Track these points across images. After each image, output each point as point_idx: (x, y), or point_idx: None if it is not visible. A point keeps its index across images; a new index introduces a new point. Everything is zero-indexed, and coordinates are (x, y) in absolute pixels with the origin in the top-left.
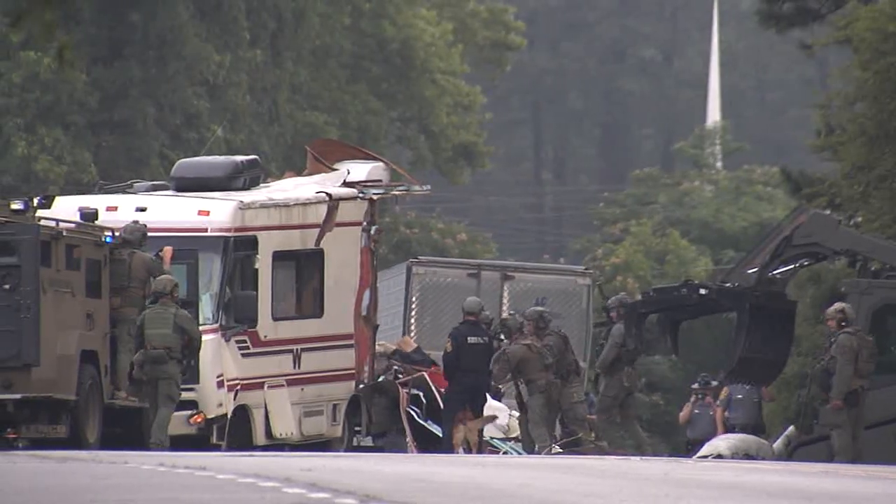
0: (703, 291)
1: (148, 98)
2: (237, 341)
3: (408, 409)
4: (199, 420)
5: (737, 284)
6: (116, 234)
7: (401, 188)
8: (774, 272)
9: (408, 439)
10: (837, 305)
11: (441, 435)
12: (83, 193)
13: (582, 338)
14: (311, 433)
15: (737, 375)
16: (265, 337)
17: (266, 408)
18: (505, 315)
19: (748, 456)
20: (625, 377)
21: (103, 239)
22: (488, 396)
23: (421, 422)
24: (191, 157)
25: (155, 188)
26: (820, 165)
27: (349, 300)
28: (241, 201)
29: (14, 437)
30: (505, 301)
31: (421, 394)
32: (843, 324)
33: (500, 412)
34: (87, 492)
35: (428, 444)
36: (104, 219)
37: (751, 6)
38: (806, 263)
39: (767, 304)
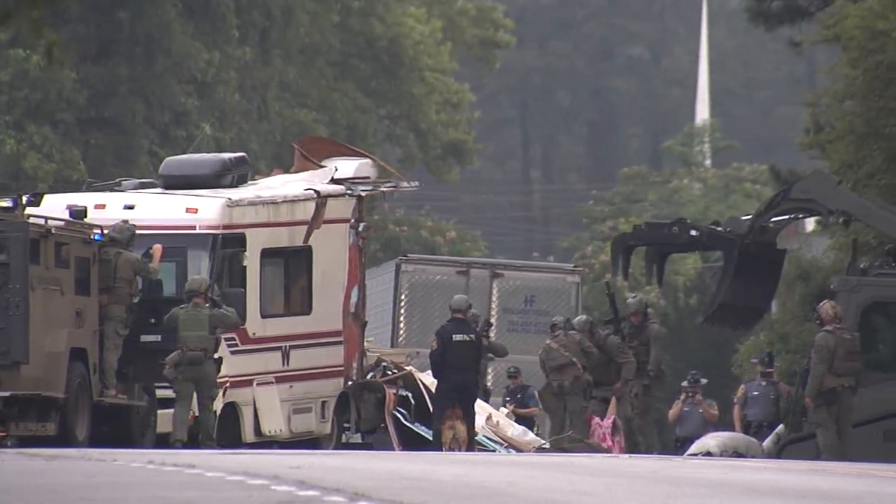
0: (693, 233)
1: (137, 96)
2: (226, 339)
3: (394, 411)
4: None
5: (728, 230)
6: (105, 231)
7: (389, 185)
8: (768, 221)
9: (393, 444)
10: (830, 303)
11: (430, 438)
12: (72, 191)
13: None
14: (299, 430)
15: (714, 320)
16: (254, 334)
17: (255, 405)
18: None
19: (737, 454)
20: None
21: (92, 237)
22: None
23: (408, 424)
24: (179, 155)
25: (143, 186)
26: (809, 163)
27: (338, 297)
28: (230, 199)
29: (2, 436)
30: (494, 299)
31: (409, 395)
32: (818, 322)
33: (485, 412)
34: (76, 490)
35: (416, 446)
36: (93, 216)
37: (739, 4)
38: (801, 216)
39: (756, 253)
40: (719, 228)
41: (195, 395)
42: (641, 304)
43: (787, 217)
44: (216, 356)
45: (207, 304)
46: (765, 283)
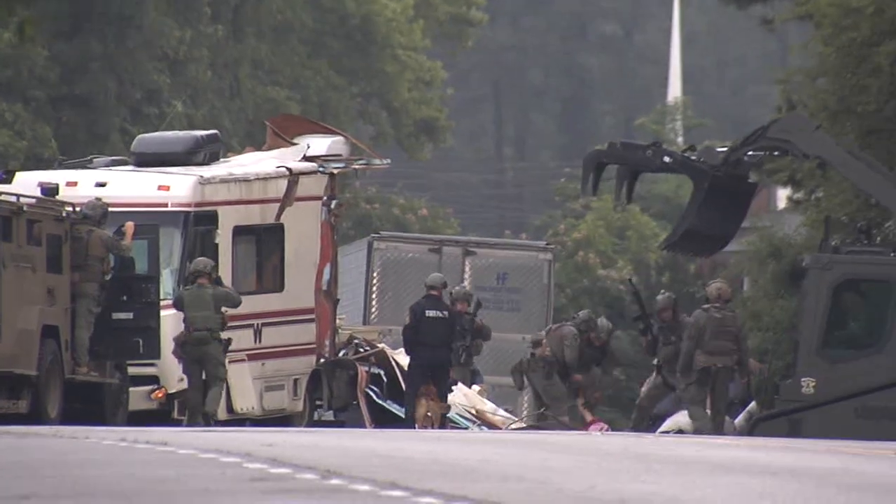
0: (667, 159)
1: (108, 73)
2: None
3: (367, 389)
4: (160, 395)
5: (702, 160)
6: (77, 209)
7: (361, 162)
8: (743, 155)
9: (366, 421)
10: (717, 283)
11: (403, 416)
12: (44, 169)
13: (542, 312)
14: (272, 408)
15: (675, 247)
16: (225, 311)
17: (227, 383)
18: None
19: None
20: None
21: (64, 214)
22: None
23: (381, 402)
24: (151, 133)
25: (115, 163)
26: None
27: (310, 275)
28: (202, 176)
29: None
30: (467, 276)
31: (382, 372)
32: (706, 301)
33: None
34: (48, 467)
35: (389, 424)
36: (65, 194)
37: None
38: (776, 154)
39: (727, 185)
40: (693, 157)
41: (203, 374)
42: (670, 299)
43: (761, 154)
44: (224, 337)
45: (212, 286)
46: (732, 214)
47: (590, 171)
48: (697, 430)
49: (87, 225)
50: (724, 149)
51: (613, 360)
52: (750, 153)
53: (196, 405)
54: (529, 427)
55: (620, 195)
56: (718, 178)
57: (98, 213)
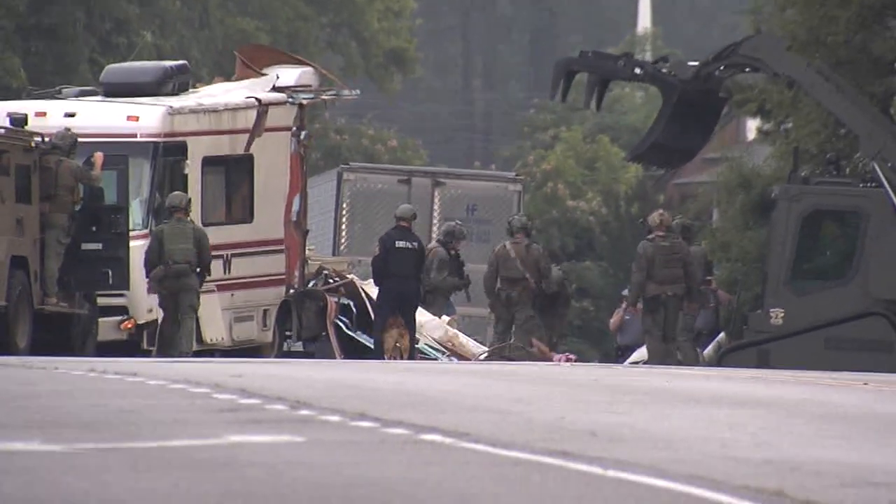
0: (637, 70)
1: (77, 3)
2: None
3: (336, 320)
4: (129, 326)
5: (673, 73)
6: (46, 139)
7: (330, 93)
8: (714, 70)
9: (335, 352)
10: (658, 212)
11: (372, 347)
12: (12, 99)
13: None
14: (241, 339)
15: (642, 158)
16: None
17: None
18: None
19: (678, 362)
20: None
21: (33, 144)
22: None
23: (350, 333)
24: (120, 63)
25: (84, 94)
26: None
27: (279, 206)
28: (171, 107)
29: None
30: (436, 207)
31: (351, 303)
32: (648, 231)
33: (427, 320)
34: (17, 398)
35: (358, 355)
36: (33, 124)
37: None
38: (747, 70)
39: (696, 99)
40: (664, 70)
41: (177, 304)
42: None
43: (732, 71)
44: (199, 270)
45: (191, 220)
46: (700, 128)
47: (560, 77)
48: (649, 361)
49: (57, 155)
50: (696, 63)
51: (567, 303)
52: (721, 69)
53: (171, 338)
54: (499, 358)
55: (590, 102)
56: (688, 93)
57: (67, 144)
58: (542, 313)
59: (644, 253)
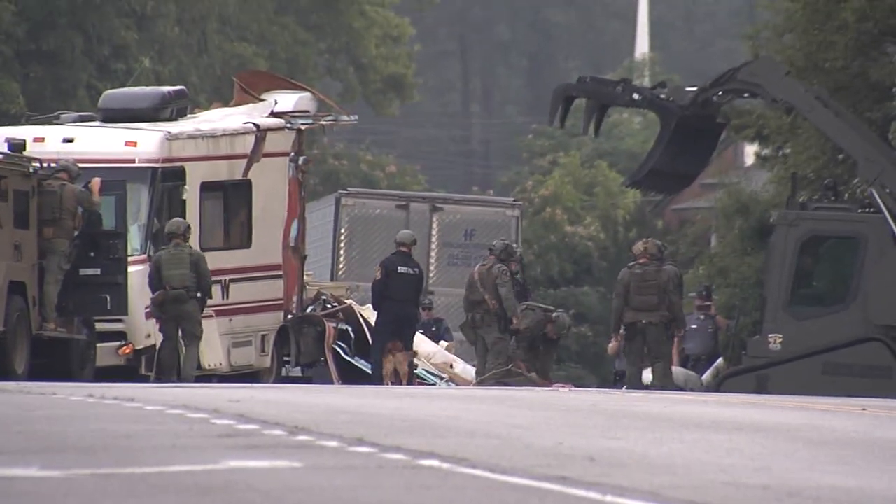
0: (636, 96)
1: (76, 29)
2: None
3: (334, 345)
4: (127, 351)
5: (671, 99)
6: (45, 164)
7: (328, 118)
8: (712, 96)
9: (333, 377)
10: (642, 241)
11: (370, 372)
12: (10, 124)
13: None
14: (239, 364)
15: (640, 184)
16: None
17: None
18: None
19: (677, 388)
20: None
21: (31, 170)
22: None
23: (348, 358)
24: (118, 89)
25: (82, 119)
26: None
27: (277, 231)
28: (169, 132)
29: None
30: (434, 232)
31: (349, 328)
32: (632, 261)
33: (426, 346)
34: (16, 423)
35: (356, 380)
36: (32, 150)
37: None
38: (745, 96)
39: (694, 124)
40: (662, 95)
41: (179, 332)
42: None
43: (731, 96)
44: (199, 295)
45: (188, 246)
46: (698, 153)
47: (559, 103)
48: (628, 387)
49: (61, 179)
50: (694, 89)
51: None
52: (719, 94)
53: (170, 364)
54: (497, 383)
55: (588, 128)
56: (686, 118)
57: (75, 170)
58: (529, 352)
59: (622, 280)
